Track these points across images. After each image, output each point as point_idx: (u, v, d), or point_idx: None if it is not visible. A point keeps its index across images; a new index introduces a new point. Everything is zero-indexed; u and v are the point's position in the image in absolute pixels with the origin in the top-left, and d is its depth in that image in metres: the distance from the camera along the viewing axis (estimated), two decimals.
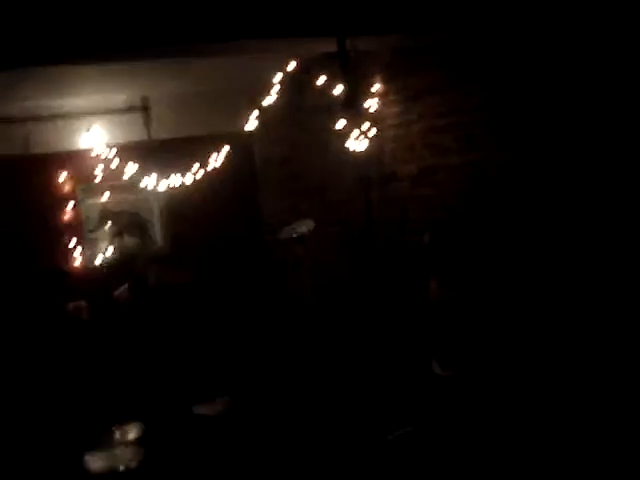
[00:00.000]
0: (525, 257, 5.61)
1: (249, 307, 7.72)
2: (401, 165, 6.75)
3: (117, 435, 5.52)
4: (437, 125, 6.33)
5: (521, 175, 5.64)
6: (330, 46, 5.53)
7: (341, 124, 6.05)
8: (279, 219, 7.73)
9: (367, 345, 6.66)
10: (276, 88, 6.35)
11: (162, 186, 7.24)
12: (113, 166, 7.41)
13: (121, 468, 4.99)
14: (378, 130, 6.36)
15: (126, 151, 7.45)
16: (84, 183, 7.74)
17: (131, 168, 7.26)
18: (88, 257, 7.70)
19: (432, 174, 6.44)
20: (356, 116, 6.17)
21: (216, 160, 7.19)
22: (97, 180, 7.64)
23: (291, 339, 7.24)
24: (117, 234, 7.66)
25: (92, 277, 7.54)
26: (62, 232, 7.63)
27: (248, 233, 8.37)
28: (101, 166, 7.56)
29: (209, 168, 7.19)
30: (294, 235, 6.57)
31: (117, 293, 7.13)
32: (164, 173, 7.19)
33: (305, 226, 6.58)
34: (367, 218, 6.79)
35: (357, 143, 6.17)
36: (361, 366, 6.45)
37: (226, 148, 7.20)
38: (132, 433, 5.56)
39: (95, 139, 7.61)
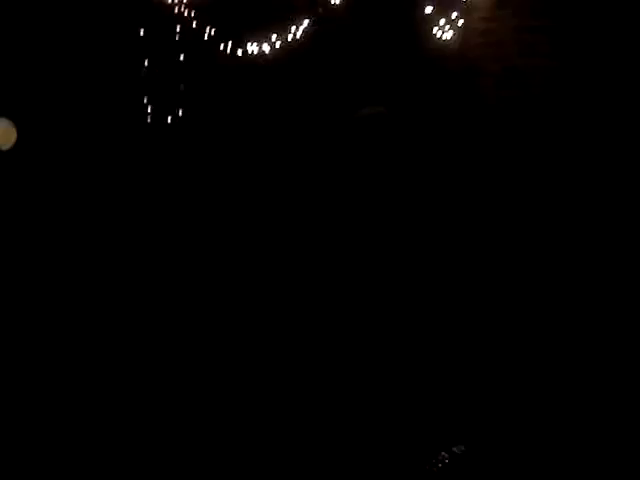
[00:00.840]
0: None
1: None
2: (485, 62, 6.43)
3: None
4: (531, 25, 5.99)
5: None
6: None
7: (429, 10, 5.80)
8: None
9: None
10: None
11: None
12: None
13: None
14: (467, 22, 6.07)
15: None
16: None
17: None
18: None
19: (517, 75, 6.15)
20: (445, 3, 5.91)
21: None
22: None
23: None
24: None
25: None
26: None
27: None
28: None
29: None
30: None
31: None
32: None
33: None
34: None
35: (443, 32, 5.91)
36: None
37: None
38: None
39: None
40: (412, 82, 6.58)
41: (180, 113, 6.69)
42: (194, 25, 6.60)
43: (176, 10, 6.75)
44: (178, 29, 6.65)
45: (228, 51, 6.63)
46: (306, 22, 6.53)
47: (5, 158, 5.83)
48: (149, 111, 6.52)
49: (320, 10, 6.51)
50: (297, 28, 6.58)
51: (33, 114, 6.06)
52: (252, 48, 6.66)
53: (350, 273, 5.99)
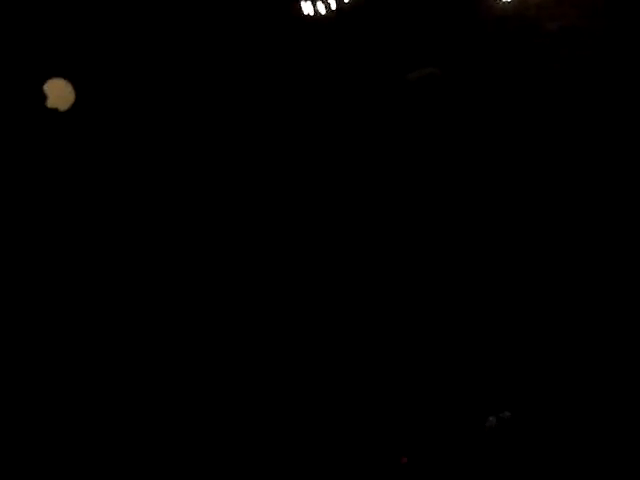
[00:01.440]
0: None
1: None
2: (544, 21, 6.31)
3: None
4: None
5: None
6: None
7: None
8: None
9: None
10: None
11: None
12: None
13: None
14: None
15: None
16: None
17: None
18: None
19: (575, 35, 6.03)
20: None
21: None
22: None
23: None
24: None
25: None
26: None
27: None
28: None
29: None
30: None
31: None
32: None
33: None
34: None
35: None
36: None
37: None
38: None
39: None
40: (468, 42, 6.49)
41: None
42: None
43: None
44: None
45: (283, 9, 6.64)
46: None
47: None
48: None
49: None
50: None
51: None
52: (307, 8, 6.65)
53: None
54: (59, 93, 6.08)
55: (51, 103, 6.02)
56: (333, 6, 6.74)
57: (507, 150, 6.28)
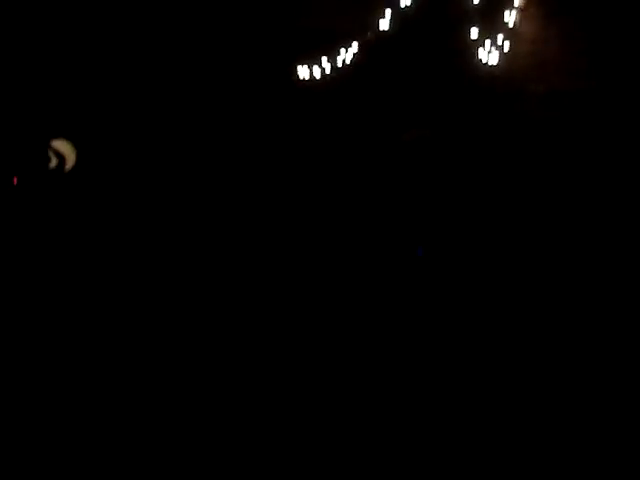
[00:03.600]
0: None
1: None
2: (530, 84, 6.58)
3: None
4: (572, 48, 6.15)
5: None
6: None
7: (475, 34, 5.96)
8: None
9: None
10: None
11: None
12: None
13: None
14: (512, 45, 6.23)
15: None
16: None
17: None
18: None
19: (560, 98, 6.28)
20: (492, 27, 6.06)
21: None
22: None
23: None
24: None
25: None
26: None
27: None
28: None
29: None
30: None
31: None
32: None
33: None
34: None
35: (488, 56, 6.07)
36: None
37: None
38: None
39: None
40: (458, 105, 6.74)
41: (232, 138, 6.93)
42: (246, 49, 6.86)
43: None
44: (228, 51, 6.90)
45: (281, 75, 6.87)
46: (355, 46, 6.75)
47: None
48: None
49: (369, 35, 6.72)
50: (347, 52, 6.79)
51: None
52: (303, 72, 6.90)
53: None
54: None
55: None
56: (327, 71, 7.00)
57: (495, 207, 6.48)
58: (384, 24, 6.61)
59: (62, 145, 6.04)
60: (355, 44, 6.77)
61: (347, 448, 4.69)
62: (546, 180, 6.06)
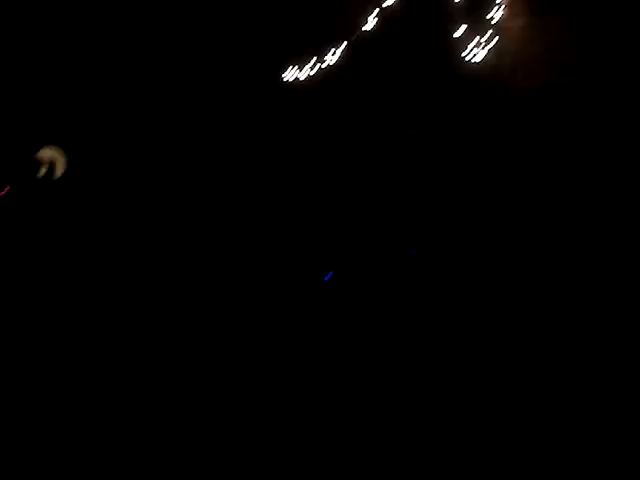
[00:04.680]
0: None
1: None
2: (518, 81, 6.60)
3: None
4: (559, 43, 6.17)
5: None
6: None
7: (461, 31, 5.97)
8: None
9: None
10: None
11: None
12: None
13: None
14: (498, 42, 6.25)
15: None
16: None
17: None
18: None
19: (549, 94, 6.30)
20: (477, 25, 6.08)
21: None
22: None
23: None
24: None
25: None
26: None
27: None
28: None
29: None
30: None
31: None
32: None
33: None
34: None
35: (475, 54, 6.08)
36: None
37: None
38: None
39: None
40: (445, 103, 6.75)
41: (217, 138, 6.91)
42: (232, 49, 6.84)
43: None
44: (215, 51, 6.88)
45: (269, 75, 6.86)
46: (343, 46, 6.74)
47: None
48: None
49: (356, 35, 6.72)
50: (334, 53, 6.79)
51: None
52: (290, 73, 6.89)
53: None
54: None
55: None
56: (312, 72, 6.99)
57: (487, 206, 6.49)
58: (370, 24, 6.61)
59: (51, 152, 6.02)
60: (343, 44, 6.77)
61: (347, 448, 4.74)
62: (537, 177, 6.07)
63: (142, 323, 5.76)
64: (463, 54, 6.37)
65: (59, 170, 6.02)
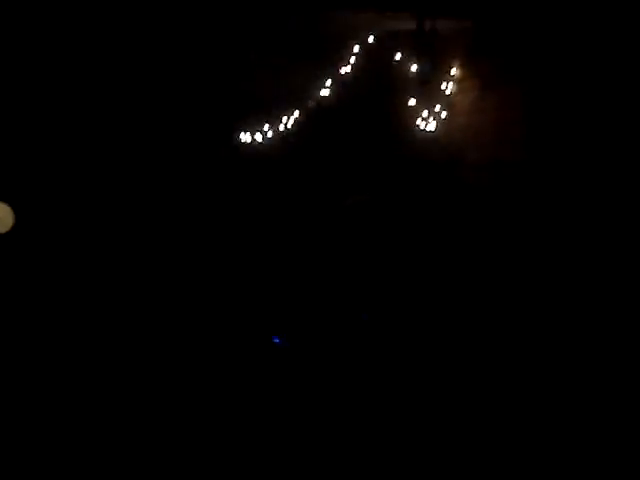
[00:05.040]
0: None
1: None
2: (468, 153, 6.71)
3: None
4: (508, 117, 6.29)
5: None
6: (409, 24, 5.57)
7: (413, 102, 6.09)
8: None
9: None
10: (352, 59, 6.39)
11: None
12: None
13: None
14: (449, 114, 6.36)
15: None
16: None
17: None
18: None
19: (496, 167, 6.41)
20: (429, 96, 6.20)
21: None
22: None
23: None
24: None
25: None
26: None
27: None
28: None
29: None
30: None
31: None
32: None
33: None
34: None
35: (426, 124, 6.19)
36: None
37: None
38: None
39: None
40: (396, 171, 6.84)
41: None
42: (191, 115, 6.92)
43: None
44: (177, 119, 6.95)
45: (222, 140, 6.92)
46: (297, 113, 6.84)
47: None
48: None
49: (310, 102, 6.82)
50: (288, 119, 6.88)
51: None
52: (245, 137, 6.96)
53: None
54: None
55: None
56: (269, 135, 7.07)
57: (432, 269, 6.54)
58: (325, 91, 6.72)
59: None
60: (296, 111, 6.86)
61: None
62: (482, 247, 6.14)
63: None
64: (415, 124, 6.47)
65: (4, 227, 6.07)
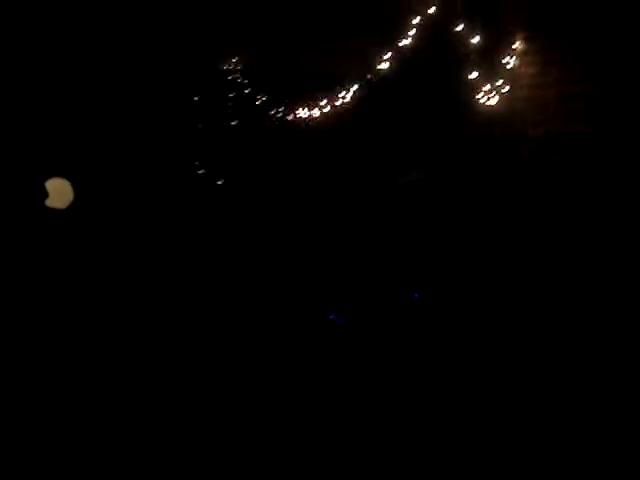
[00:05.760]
0: None
1: None
2: (530, 127, 6.59)
3: None
4: (570, 92, 6.17)
5: None
6: None
7: (475, 76, 5.99)
8: None
9: None
10: (413, 31, 6.30)
11: None
12: None
13: None
14: (511, 88, 6.25)
15: None
16: None
17: None
18: None
19: (559, 141, 6.29)
20: (491, 70, 6.09)
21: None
22: None
23: None
24: None
25: None
26: None
27: None
28: None
29: None
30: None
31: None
32: None
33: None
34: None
35: (488, 98, 6.09)
36: None
37: None
38: None
39: None
40: (456, 148, 6.75)
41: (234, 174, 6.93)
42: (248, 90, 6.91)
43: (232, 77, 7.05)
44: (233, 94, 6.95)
45: (280, 115, 6.89)
46: (355, 87, 6.77)
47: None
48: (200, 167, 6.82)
49: (370, 77, 6.75)
50: (347, 94, 6.81)
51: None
52: (303, 112, 6.92)
53: None
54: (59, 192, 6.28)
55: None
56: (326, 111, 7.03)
57: (493, 251, 6.45)
58: (384, 65, 6.64)
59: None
60: (355, 85, 6.80)
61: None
62: (545, 225, 6.03)
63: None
64: (477, 98, 6.36)
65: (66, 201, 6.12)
